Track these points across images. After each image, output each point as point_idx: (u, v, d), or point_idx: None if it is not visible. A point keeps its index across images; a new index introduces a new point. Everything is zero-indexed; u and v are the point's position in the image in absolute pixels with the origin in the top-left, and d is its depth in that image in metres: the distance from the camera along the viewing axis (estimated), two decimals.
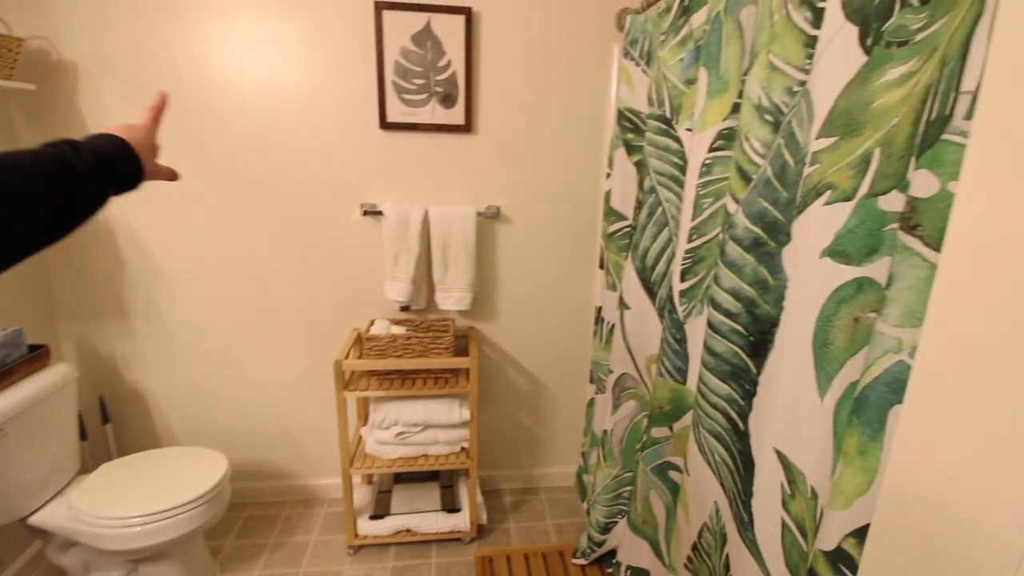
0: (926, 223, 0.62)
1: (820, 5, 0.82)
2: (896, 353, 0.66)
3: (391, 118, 1.74)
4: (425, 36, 1.69)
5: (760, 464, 0.98)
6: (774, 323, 0.93)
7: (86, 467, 1.73)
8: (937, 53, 0.66)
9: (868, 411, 0.69)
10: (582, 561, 1.78)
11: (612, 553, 1.74)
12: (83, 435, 1.75)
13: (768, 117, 0.93)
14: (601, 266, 1.83)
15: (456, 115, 1.77)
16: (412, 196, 1.84)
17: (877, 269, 0.76)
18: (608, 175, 1.73)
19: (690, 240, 1.20)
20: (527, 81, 1.80)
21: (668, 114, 1.35)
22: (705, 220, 1.17)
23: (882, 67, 0.73)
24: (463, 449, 1.83)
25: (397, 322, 1.87)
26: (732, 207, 1.00)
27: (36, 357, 1.52)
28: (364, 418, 1.95)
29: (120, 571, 1.54)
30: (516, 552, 1.83)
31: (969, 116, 0.59)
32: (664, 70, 1.34)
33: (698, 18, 1.22)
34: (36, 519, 1.46)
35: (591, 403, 1.96)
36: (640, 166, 1.59)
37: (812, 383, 0.85)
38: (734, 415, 1.05)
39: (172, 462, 1.63)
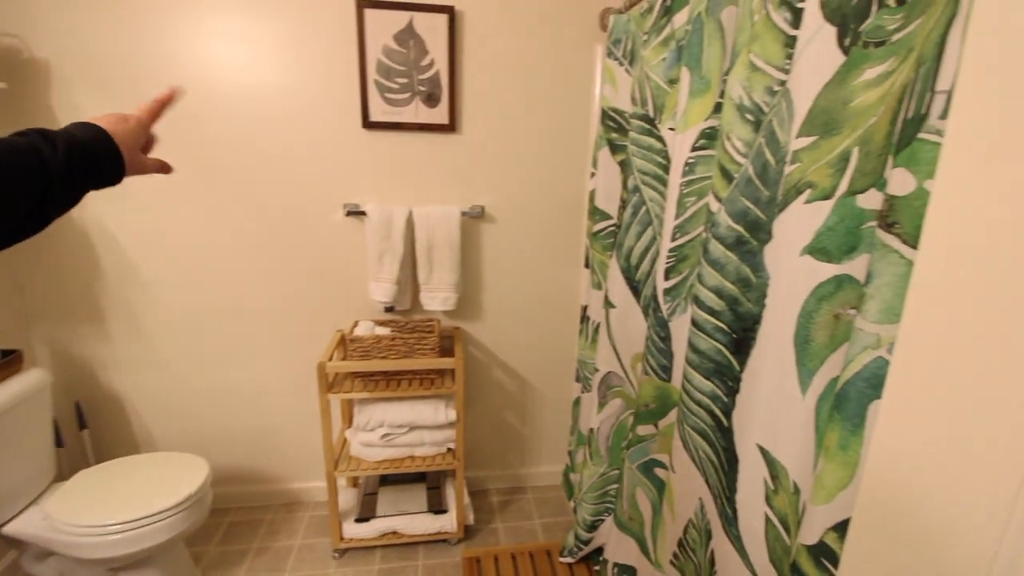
0: (903, 221, 0.63)
1: (799, 5, 0.83)
2: (875, 349, 0.67)
3: (374, 117, 1.73)
4: (408, 35, 1.68)
5: (744, 460, 0.99)
6: (756, 320, 0.94)
7: (62, 474, 1.69)
8: (913, 53, 0.67)
9: (848, 407, 0.70)
10: (569, 560, 1.79)
11: (599, 551, 1.75)
12: (59, 442, 1.70)
13: (749, 116, 0.94)
14: (586, 265, 1.84)
15: (440, 114, 1.76)
16: (396, 196, 1.82)
17: (856, 266, 0.77)
18: (592, 174, 1.74)
19: (674, 239, 1.20)
20: (511, 80, 1.80)
21: (651, 113, 1.35)
22: (688, 219, 1.18)
23: (860, 67, 0.74)
24: (449, 450, 1.82)
25: (382, 323, 1.86)
26: (715, 206, 1.01)
27: (8, 362, 1.48)
28: (349, 420, 1.93)
29: None
30: (503, 552, 1.83)
31: (944, 115, 0.60)
32: (647, 70, 1.35)
33: (680, 18, 1.23)
34: (10, 528, 1.42)
35: (577, 402, 1.96)
36: (624, 165, 1.60)
37: (794, 379, 0.86)
38: (718, 412, 1.05)
39: (151, 468, 1.60)
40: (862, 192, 0.75)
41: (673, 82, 1.27)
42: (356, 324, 1.82)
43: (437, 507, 1.89)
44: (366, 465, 1.75)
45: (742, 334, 0.98)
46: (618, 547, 1.57)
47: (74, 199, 0.57)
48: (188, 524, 1.47)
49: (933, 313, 0.51)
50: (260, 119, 1.70)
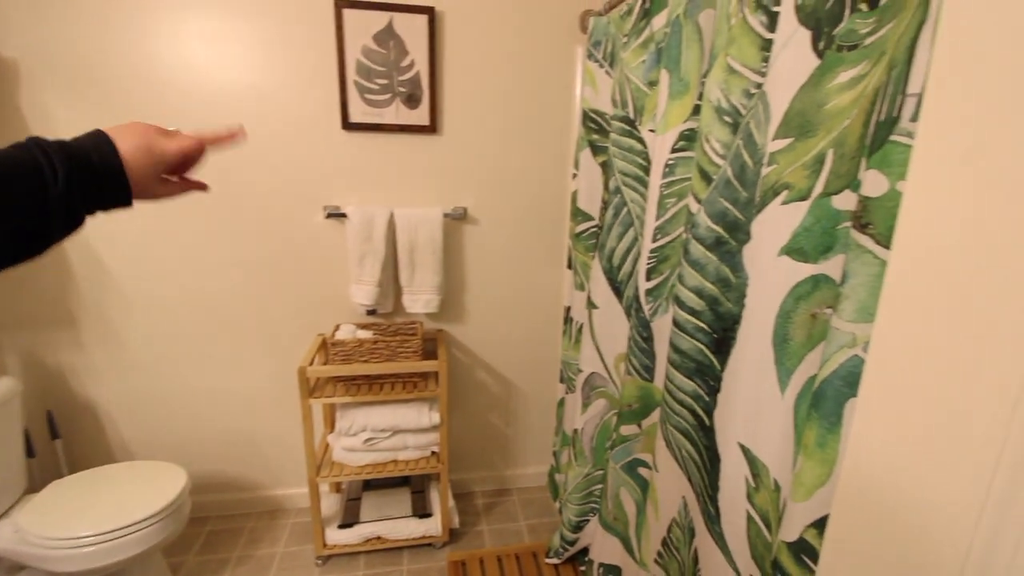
0: (877, 221, 0.65)
1: (775, 9, 0.84)
2: (851, 348, 0.68)
3: (353, 118, 1.71)
4: (387, 35, 1.66)
5: (725, 459, 1.00)
6: (736, 320, 0.95)
7: (34, 486, 1.64)
8: (885, 57, 0.68)
9: (826, 405, 0.71)
10: (555, 561, 1.79)
11: (584, 551, 1.75)
12: (30, 452, 1.65)
13: (727, 119, 0.95)
14: (569, 266, 1.84)
15: (420, 115, 1.75)
16: (377, 198, 1.81)
17: (832, 266, 0.78)
18: (574, 175, 1.74)
19: (655, 240, 1.21)
20: (492, 82, 1.80)
21: (631, 115, 1.36)
22: (669, 220, 1.19)
23: (834, 70, 0.75)
24: (434, 453, 1.81)
25: (363, 326, 1.84)
26: (694, 207, 1.02)
27: None
28: (331, 425, 1.91)
29: None
30: (489, 555, 1.83)
31: (915, 118, 0.61)
32: (627, 72, 1.36)
33: (659, 21, 1.24)
34: None
35: (561, 403, 1.97)
36: (605, 167, 1.61)
37: (773, 378, 0.87)
38: (700, 411, 1.06)
39: (127, 477, 1.56)
40: (837, 193, 0.76)
41: (653, 84, 1.28)
42: (338, 327, 1.80)
43: (421, 511, 1.87)
44: (349, 470, 1.73)
45: (723, 334, 0.99)
46: (603, 547, 1.58)
47: (72, 226, 0.51)
48: (165, 534, 1.44)
49: (906, 312, 0.52)
50: (238, 119, 1.67)
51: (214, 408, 1.91)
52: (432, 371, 1.78)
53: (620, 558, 1.52)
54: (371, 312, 1.89)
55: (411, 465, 1.77)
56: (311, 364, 1.64)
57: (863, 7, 0.72)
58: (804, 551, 0.77)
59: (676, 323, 1.08)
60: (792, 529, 0.78)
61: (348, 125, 1.71)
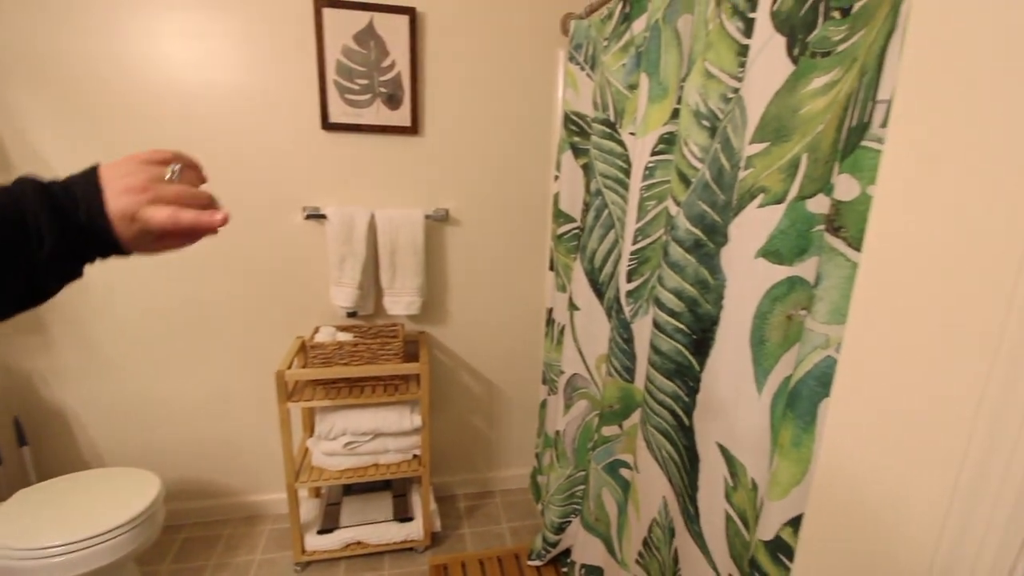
0: (849, 225, 0.66)
1: (751, 16, 0.85)
2: (824, 349, 0.69)
3: (333, 119, 1.69)
4: (368, 35, 1.65)
5: (704, 459, 1.01)
6: (715, 321, 0.96)
7: (0, 495, 1.58)
8: (857, 64, 0.70)
9: (801, 405, 0.73)
10: (537, 563, 1.79)
11: (567, 553, 1.75)
12: None
13: (705, 123, 0.96)
14: (551, 268, 1.85)
15: (402, 116, 1.74)
16: (357, 199, 1.79)
17: (807, 268, 0.80)
18: (556, 177, 1.75)
19: (635, 242, 1.22)
20: (474, 83, 1.79)
21: (612, 118, 1.37)
22: (649, 222, 1.20)
23: (808, 76, 0.77)
24: (415, 456, 1.79)
25: (344, 328, 1.82)
26: (674, 209, 1.03)
27: None
28: (310, 429, 1.88)
29: None
30: (471, 558, 1.82)
31: (885, 124, 0.63)
32: (608, 75, 1.37)
33: (638, 25, 1.25)
34: None
35: (544, 404, 1.97)
36: (587, 169, 1.62)
37: (750, 379, 0.89)
38: (679, 411, 1.07)
39: (98, 485, 1.51)
40: (811, 197, 0.78)
41: (633, 87, 1.29)
42: (317, 330, 1.77)
43: (403, 515, 1.86)
44: (328, 475, 1.71)
45: (701, 335, 1.00)
46: (585, 548, 1.58)
47: (71, 277, 0.48)
48: (138, 543, 1.41)
49: (875, 314, 0.53)
50: (215, 119, 1.64)
51: (189, 413, 1.87)
52: (414, 373, 1.77)
53: (602, 559, 1.52)
54: (351, 314, 1.87)
55: (392, 469, 1.75)
56: (289, 367, 1.61)
57: (836, 15, 0.74)
58: (780, 549, 0.79)
59: (656, 324, 1.09)
60: (769, 528, 0.80)
61: (328, 125, 1.70)
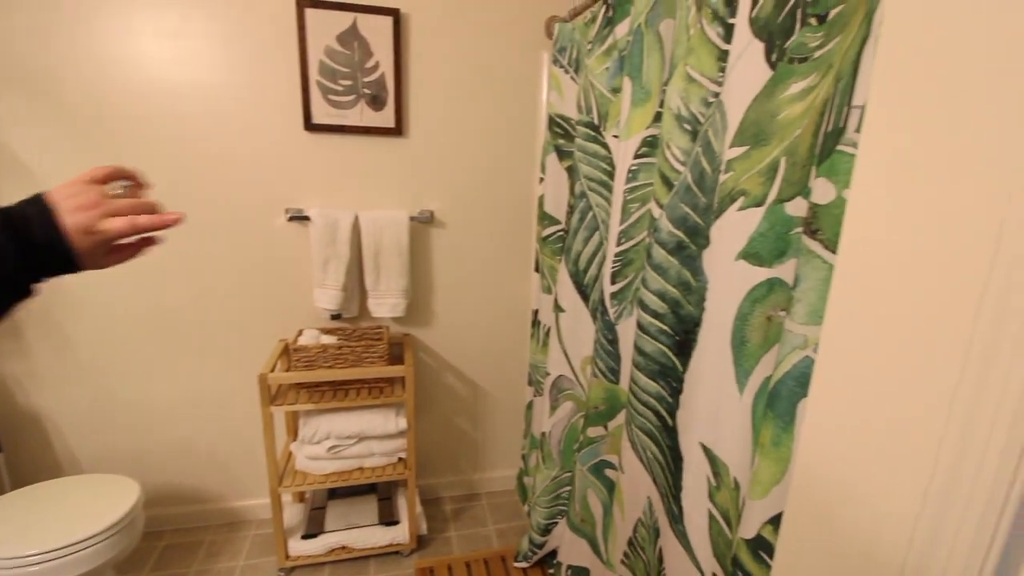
0: (825, 227, 0.67)
1: (730, 21, 0.87)
2: (803, 349, 0.70)
3: (316, 119, 1.68)
4: (351, 36, 1.64)
5: (688, 459, 1.02)
6: (697, 323, 0.97)
7: None
8: (832, 70, 0.71)
9: (780, 404, 0.74)
10: (524, 564, 1.79)
11: (553, 554, 1.76)
12: None
13: (687, 126, 0.97)
14: (537, 269, 1.85)
15: (386, 117, 1.73)
16: (341, 200, 1.78)
17: (786, 270, 0.81)
18: (541, 180, 1.75)
19: (619, 244, 1.23)
20: (458, 85, 1.79)
21: (596, 121, 1.38)
22: (633, 224, 1.21)
23: (786, 81, 0.78)
24: (400, 459, 1.78)
25: (328, 331, 1.80)
26: (656, 212, 1.04)
27: None
28: (294, 433, 1.87)
29: None
30: (457, 561, 1.81)
31: (860, 129, 0.64)
32: (591, 78, 1.38)
33: (621, 29, 1.26)
34: None
35: (530, 406, 1.97)
36: (571, 171, 1.62)
37: (732, 379, 0.90)
38: (663, 412, 1.08)
39: (76, 492, 1.48)
40: (789, 200, 0.79)
41: (616, 91, 1.30)
42: (301, 333, 1.76)
43: (388, 519, 1.85)
44: (313, 479, 1.69)
45: (684, 336, 1.01)
46: (571, 549, 1.59)
47: (24, 296, 0.49)
48: (117, 551, 1.38)
49: (850, 315, 0.54)
50: (196, 119, 1.62)
51: (170, 417, 1.84)
52: (399, 376, 1.76)
53: (588, 560, 1.53)
54: (336, 317, 1.86)
55: (377, 472, 1.74)
56: (272, 371, 1.60)
57: (813, 21, 0.75)
58: (762, 547, 0.80)
59: (640, 326, 1.10)
60: (750, 526, 0.81)
61: (311, 126, 1.68)
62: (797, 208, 0.78)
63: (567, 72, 1.60)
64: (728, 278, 0.89)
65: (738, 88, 0.84)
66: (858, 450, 0.54)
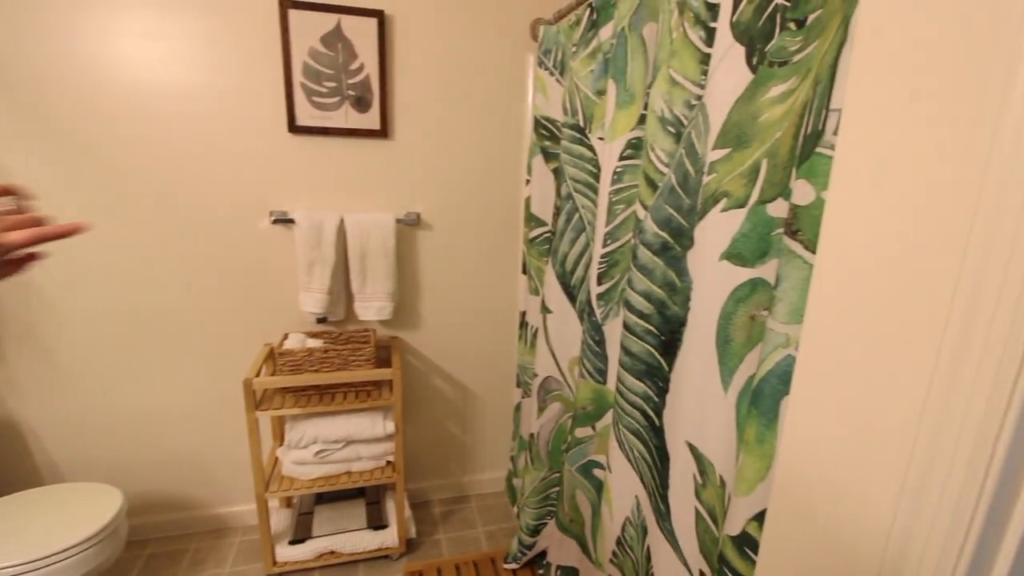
0: (805, 228, 0.68)
1: (712, 25, 0.88)
2: (785, 348, 0.71)
3: (300, 121, 1.67)
4: (335, 38, 1.63)
5: (674, 457, 1.03)
6: (682, 323, 0.99)
7: None
8: (811, 73, 0.73)
9: (763, 402, 0.75)
10: (513, 566, 1.79)
11: (542, 555, 1.76)
12: None
13: (671, 128, 0.98)
14: (524, 271, 1.86)
15: (371, 119, 1.73)
16: (326, 203, 1.77)
17: (768, 270, 0.82)
18: (528, 181, 1.76)
19: (605, 245, 1.24)
20: (444, 86, 1.79)
21: (581, 123, 1.39)
22: (618, 225, 1.22)
23: (766, 85, 0.79)
24: (389, 463, 1.78)
25: (314, 335, 1.79)
26: (641, 213, 1.05)
27: None
28: (280, 438, 1.85)
29: None
30: (447, 564, 1.81)
31: (838, 131, 0.65)
32: (576, 80, 1.38)
33: (606, 32, 1.27)
34: None
35: (518, 407, 1.97)
36: (557, 173, 1.63)
37: (716, 378, 0.91)
38: (650, 412, 1.09)
39: (56, 501, 1.45)
40: (771, 201, 0.80)
41: (601, 93, 1.31)
42: (286, 337, 1.74)
43: (377, 522, 1.84)
44: (300, 484, 1.68)
45: (670, 336, 1.02)
46: (560, 549, 1.59)
47: None
48: (100, 560, 1.36)
49: (829, 313, 0.55)
50: (179, 119, 1.60)
51: (153, 424, 1.81)
52: (386, 379, 1.75)
53: (577, 559, 1.54)
54: (321, 320, 1.85)
55: (365, 476, 1.73)
56: (258, 375, 1.58)
57: (792, 26, 0.76)
58: (747, 543, 0.81)
59: (626, 326, 1.11)
60: (736, 523, 0.82)
61: (295, 128, 1.67)
62: (778, 209, 0.80)
63: (552, 74, 1.61)
64: (712, 278, 0.90)
65: (720, 91, 0.85)
66: (838, 447, 0.55)
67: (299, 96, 1.65)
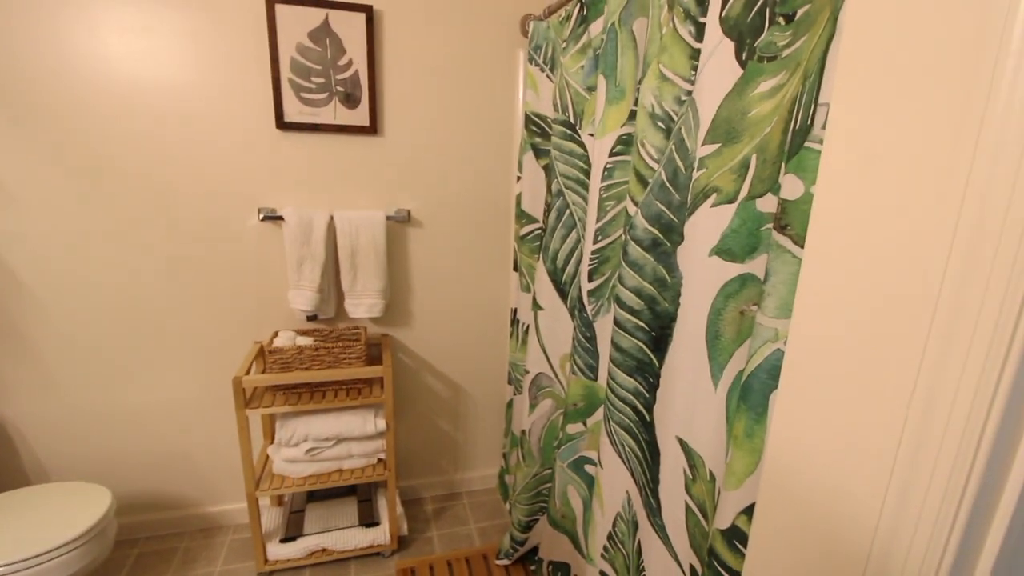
0: (794, 223, 0.69)
1: (701, 20, 0.88)
2: (774, 342, 0.72)
3: (289, 118, 1.65)
4: (323, 33, 1.62)
5: (665, 452, 1.04)
6: (673, 318, 0.99)
7: None
8: (800, 68, 0.73)
9: (753, 397, 0.75)
10: (505, 562, 1.79)
11: (534, 551, 1.76)
12: None
13: (661, 124, 0.98)
14: (515, 268, 1.85)
15: (360, 116, 1.71)
16: (315, 200, 1.75)
17: (757, 265, 0.83)
18: (518, 178, 1.75)
19: (596, 241, 1.24)
20: (433, 83, 1.78)
21: (572, 119, 1.39)
22: (609, 222, 1.22)
23: (755, 80, 0.79)
24: (380, 460, 1.77)
25: (304, 332, 1.78)
26: (632, 209, 1.05)
27: None
28: (270, 436, 1.84)
29: None
30: (439, 560, 1.81)
31: (826, 126, 0.65)
32: (567, 76, 1.38)
33: (595, 27, 1.27)
34: None
35: (510, 404, 1.97)
36: (548, 170, 1.63)
37: (706, 373, 0.91)
38: (640, 407, 1.09)
39: (44, 501, 1.44)
40: (760, 196, 0.80)
41: (591, 89, 1.31)
42: (276, 334, 1.73)
43: (368, 520, 1.83)
44: (291, 482, 1.67)
45: (660, 332, 1.02)
46: (552, 545, 1.60)
47: None
48: (88, 560, 1.34)
49: (817, 308, 0.55)
50: (164, 117, 1.58)
51: (142, 423, 1.80)
52: (377, 377, 1.75)
53: (568, 555, 1.54)
54: (312, 318, 1.83)
55: (357, 474, 1.73)
56: (247, 373, 1.57)
57: (781, 20, 0.76)
58: (736, 537, 0.81)
59: (617, 322, 1.11)
60: (725, 517, 0.82)
61: (283, 124, 1.65)
62: (767, 204, 0.80)
63: (543, 70, 1.60)
64: (702, 274, 0.91)
65: (710, 86, 0.85)
66: (825, 440, 0.56)
67: (287, 92, 1.63)
